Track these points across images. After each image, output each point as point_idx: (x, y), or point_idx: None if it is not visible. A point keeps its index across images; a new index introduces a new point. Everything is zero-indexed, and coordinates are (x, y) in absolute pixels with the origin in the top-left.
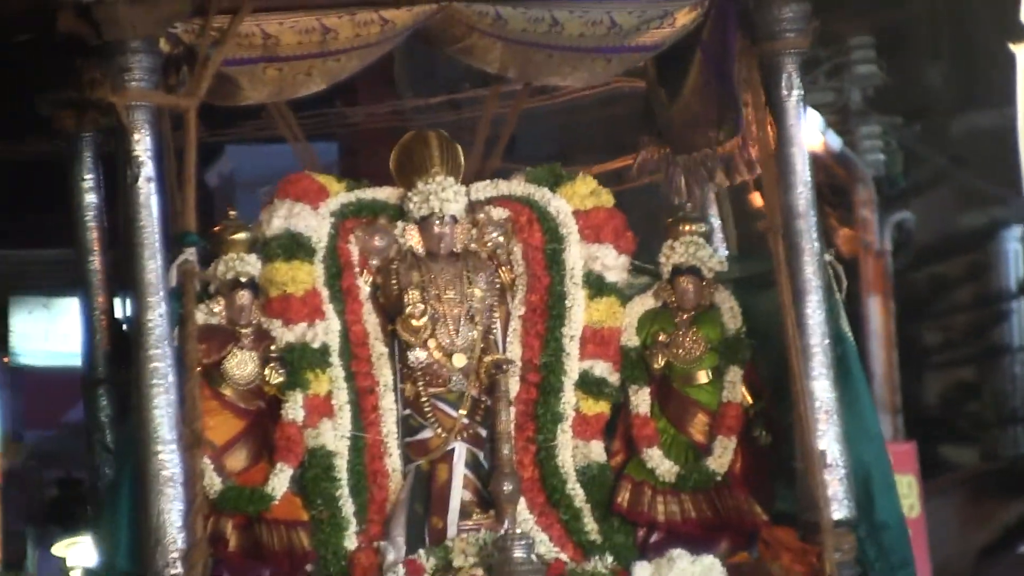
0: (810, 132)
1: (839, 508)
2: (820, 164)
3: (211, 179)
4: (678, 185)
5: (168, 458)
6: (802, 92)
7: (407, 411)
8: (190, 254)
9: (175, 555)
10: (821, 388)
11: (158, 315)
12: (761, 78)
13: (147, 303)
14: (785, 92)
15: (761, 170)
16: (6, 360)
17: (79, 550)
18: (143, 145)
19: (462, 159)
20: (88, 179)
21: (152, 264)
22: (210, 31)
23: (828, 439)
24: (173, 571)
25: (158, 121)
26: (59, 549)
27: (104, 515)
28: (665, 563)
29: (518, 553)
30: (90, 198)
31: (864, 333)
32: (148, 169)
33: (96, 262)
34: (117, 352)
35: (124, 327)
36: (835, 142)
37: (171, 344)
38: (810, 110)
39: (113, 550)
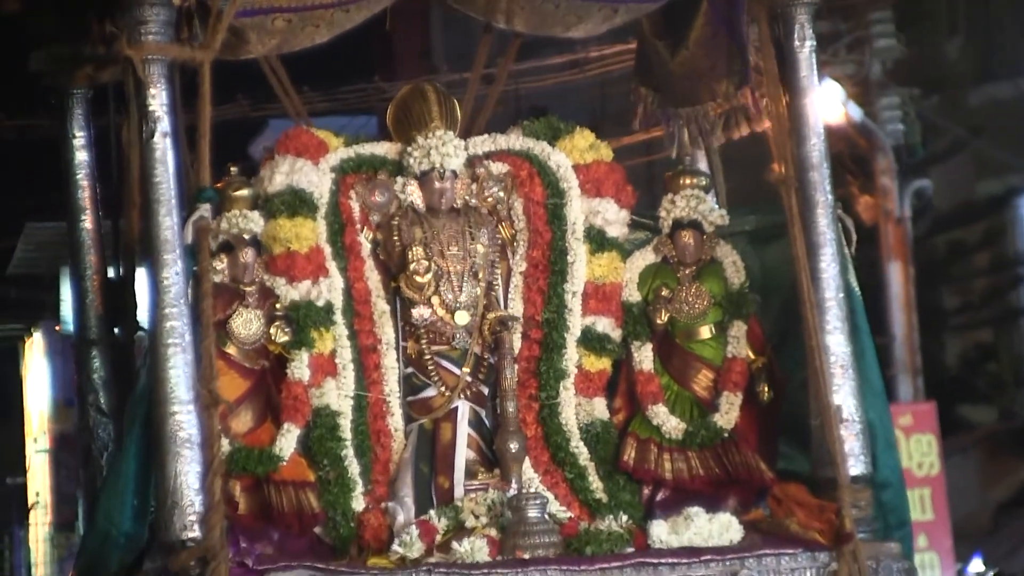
0: (832, 103)
1: (855, 464)
2: (841, 134)
3: (255, 152)
4: (681, 138)
5: (185, 419)
6: (814, 43)
7: (409, 369)
8: (205, 210)
9: (193, 518)
10: (836, 342)
11: (174, 273)
12: (772, 29)
13: (163, 260)
14: (798, 43)
15: (772, 122)
16: (58, 328)
17: None
18: (159, 100)
19: (459, 113)
20: (80, 136)
21: (168, 221)
22: None
23: (844, 394)
24: (191, 534)
25: (173, 75)
26: None
27: (108, 477)
28: (682, 521)
29: (532, 513)
30: (81, 156)
31: (885, 297)
32: (164, 124)
33: (88, 221)
34: (110, 313)
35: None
36: (856, 113)
37: (187, 302)
38: (831, 82)
39: (117, 513)
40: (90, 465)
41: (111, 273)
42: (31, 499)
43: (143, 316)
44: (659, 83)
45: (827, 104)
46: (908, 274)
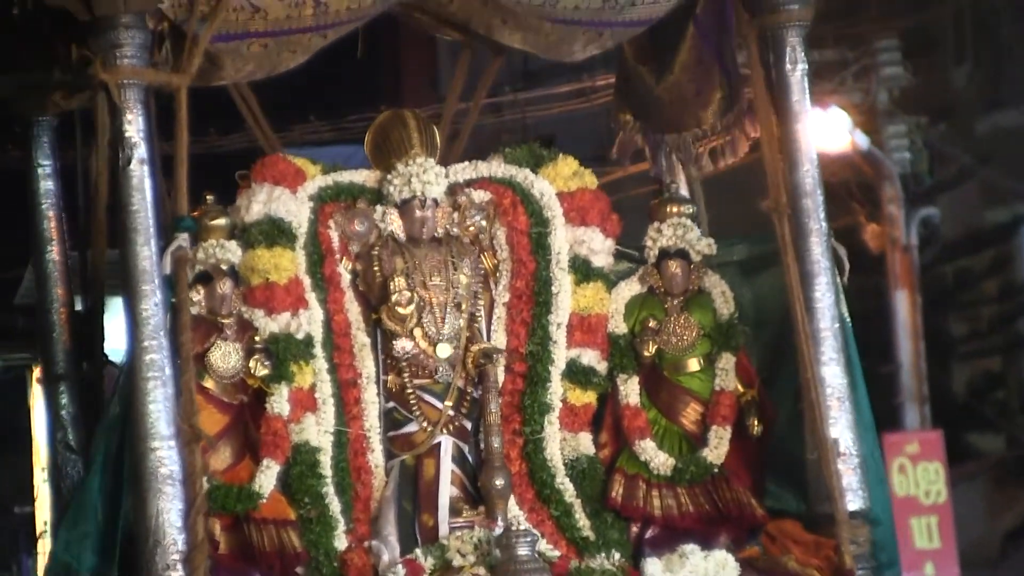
0: (838, 131)
1: (854, 498)
2: (848, 163)
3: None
4: (668, 165)
5: (166, 455)
6: (806, 66)
7: (390, 404)
8: (183, 240)
9: (176, 557)
10: (832, 374)
11: (153, 304)
12: (761, 52)
13: (141, 291)
14: (789, 66)
15: (763, 148)
16: None
17: None
18: (136, 126)
19: (439, 140)
20: (45, 165)
21: (146, 251)
22: (199, 5)
23: (841, 427)
24: (174, 574)
25: (149, 101)
26: None
27: (69, 508)
28: (676, 559)
29: (522, 551)
30: (47, 185)
31: (892, 325)
32: (141, 151)
33: (54, 252)
34: (77, 347)
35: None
36: (863, 141)
37: (167, 335)
38: (838, 110)
39: (77, 545)
40: (59, 504)
41: (78, 306)
42: (39, 528)
43: (111, 350)
44: (643, 109)
45: (834, 132)
46: (915, 302)
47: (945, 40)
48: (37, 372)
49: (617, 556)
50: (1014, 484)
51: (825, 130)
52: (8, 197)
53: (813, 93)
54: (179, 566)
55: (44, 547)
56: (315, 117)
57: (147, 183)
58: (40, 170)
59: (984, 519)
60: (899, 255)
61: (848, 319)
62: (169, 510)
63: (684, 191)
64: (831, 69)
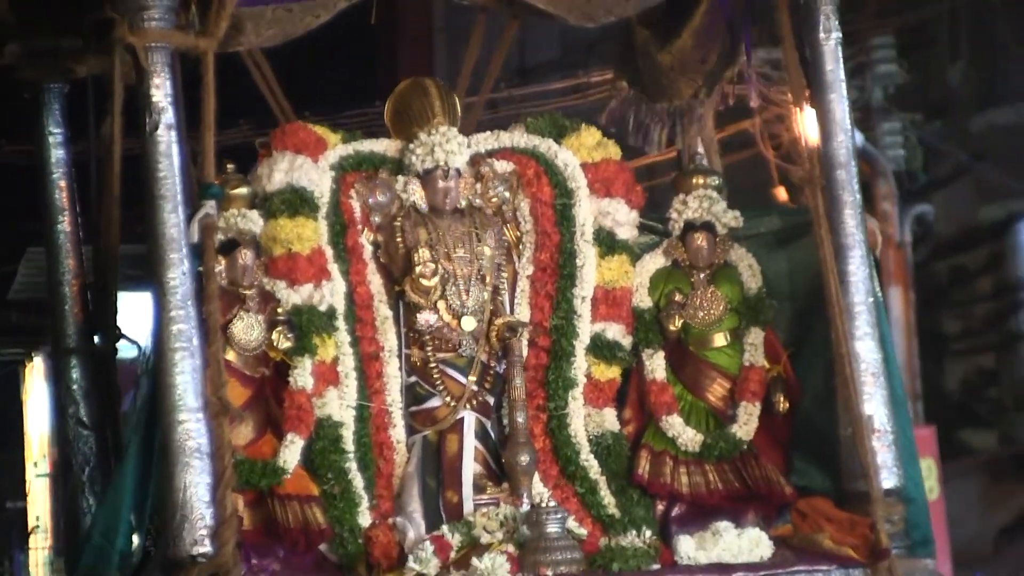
0: None
1: (888, 476)
2: None
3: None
4: (655, 135)
5: (194, 428)
6: (840, 35)
7: (412, 378)
8: (210, 207)
9: (204, 532)
10: (866, 349)
11: (180, 273)
12: (793, 19)
13: (169, 260)
14: (823, 35)
15: (796, 119)
16: None
17: None
18: (163, 90)
19: (460, 108)
20: (56, 133)
21: (174, 218)
22: None
23: (875, 403)
24: (202, 549)
25: (176, 65)
26: None
27: (106, 494)
28: (709, 536)
29: (552, 528)
30: (59, 153)
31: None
32: (168, 116)
33: (66, 222)
34: (89, 320)
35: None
36: (857, 138)
37: (195, 304)
38: None
39: (114, 530)
40: (70, 479)
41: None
42: (31, 523)
43: (123, 323)
44: (641, 76)
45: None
46: (909, 299)
47: (940, 37)
48: (30, 367)
49: (648, 534)
50: (1007, 481)
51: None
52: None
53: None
54: (207, 541)
55: (36, 542)
56: (310, 113)
57: (174, 149)
58: (51, 138)
59: (977, 516)
60: (893, 252)
61: (880, 294)
62: (197, 484)
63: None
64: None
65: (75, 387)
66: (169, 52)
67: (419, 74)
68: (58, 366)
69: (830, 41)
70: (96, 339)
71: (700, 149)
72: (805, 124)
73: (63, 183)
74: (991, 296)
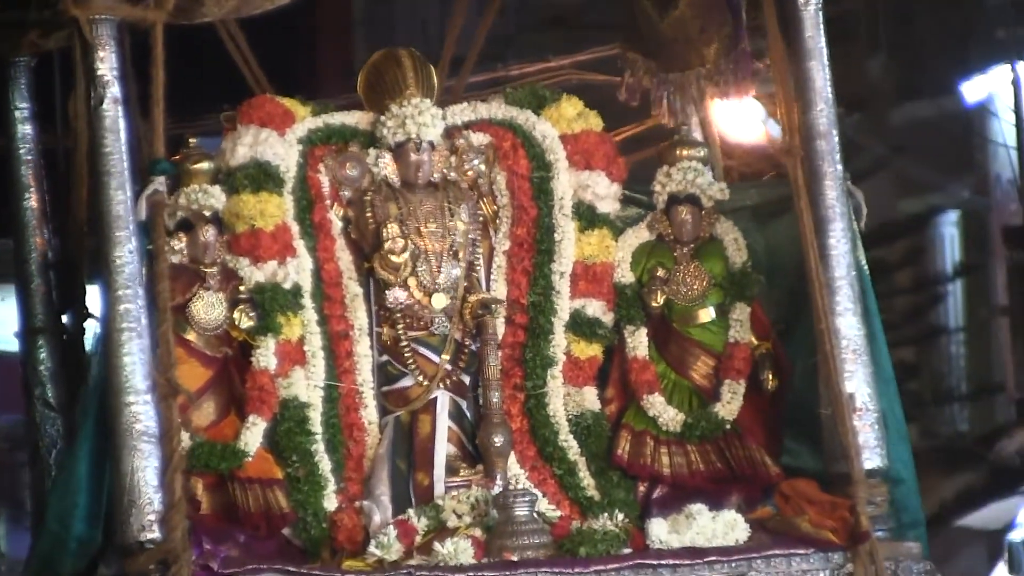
0: (752, 122)
1: (871, 456)
2: (762, 153)
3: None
4: (671, 106)
5: (141, 410)
6: (820, 1)
7: (384, 357)
8: (159, 183)
9: (152, 517)
10: (847, 325)
11: (127, 251)
12: None
13: (115, 238)
14: (802, 1)
15: (776, 87)
16: None
17: None
18: (108, 63)
19: (435, 80)
20: (23, 108)
21: (120, 195)
22: None
23: (857, 381)
24: (150, 535)
25: (123, 38)
26: None
27: (58, 477)
28: (683, 519)
29: (520, 511)
30: (25, 129)
31: None
32: (115, 89)
33: (32, 199)
34: (58, 298)
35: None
36: (777, 132)
37: (142, 284)
38: (752, 100)
39: (69, 515)
40: (38, 464)
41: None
42: None
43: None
44: (648, 48)
45: (748, 123)
46: None
47: (859, 30)
48: None
49: (621, 516)
50: (927, 474)
51: (739, 121)
52: None
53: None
54: (155, 527)
55: None
56: (229, 107)
57: (121, 124)
58: (17, 113)
59: None
60: None
61: (866, 267)
62: (145, 468)
63: (697, 134)
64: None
65: (42, 368)
66: (115, 24)
67: (338, 67)
68: (26, 346)
69: (809, 6)
70: (64, 319)
71: (693, 122)
72: (787, 93)
73: (30, 158)
74: (911, 290)
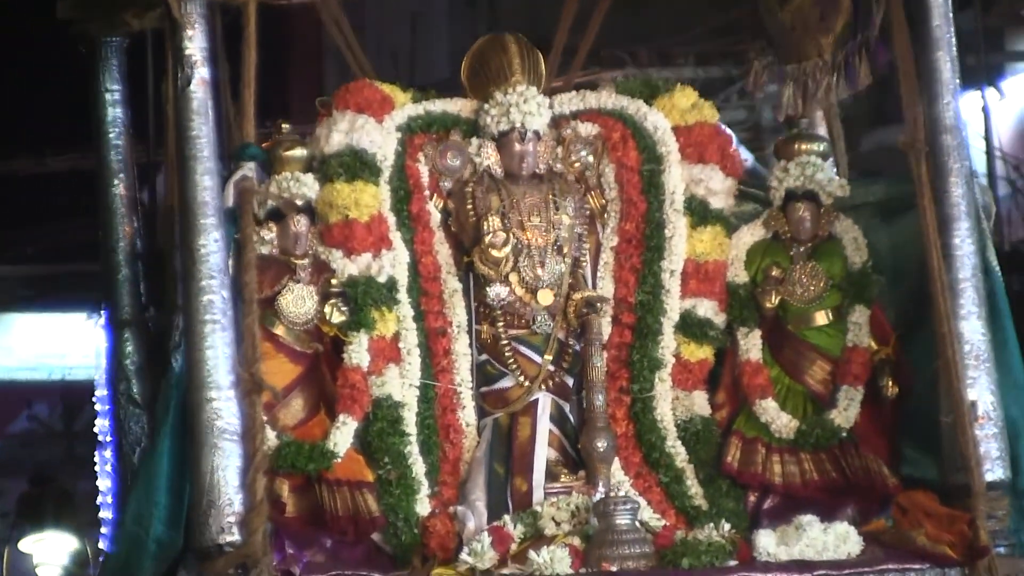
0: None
1: (992, 468)
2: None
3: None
4: (789, 98)
5: (223, 406)
6: None
7: (483, 356)
8: (249, 169)
9: (232, 519)
10: (971, 329)
11: (212, 240)
12: None
13: (200, 226)
14: None
15: (901, 79)
16: None
17: (45, 546)
18: (197, 42)
19: (543, 67)
20: (115, 91)
21: (206, 181)
22: None
23: (980, 388)
24: (229, 538)
25: (214, 17)
26: (26, 545)
27: (138, 476)
28: (792, 531)
29: (622, 520)
30: (115, 112)
31: None
32: (202, 70)
33: (122, 186)
34: (147, 289)
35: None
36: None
37: (227, 274)
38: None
39: (148, 516)
40: (122, 462)
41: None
42: None
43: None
44: (771, 36)
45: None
46: None
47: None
48: None
49: (727, 527)
50: None
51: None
52: None
53: None
54: (235, 529)
55: None
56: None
57: (208, 106)
58: (108, 95)
59: None
60: None
61: (997, 268)
62: (226, 467)
63: (822, 128)
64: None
65: (128, 362)
66: (205, 2)
67: (308, 95)
68: (112, 339)
69: None
70: (150, 311)
71: (819, 114)
72: (911, 85)
73: (121, 142)
74: None
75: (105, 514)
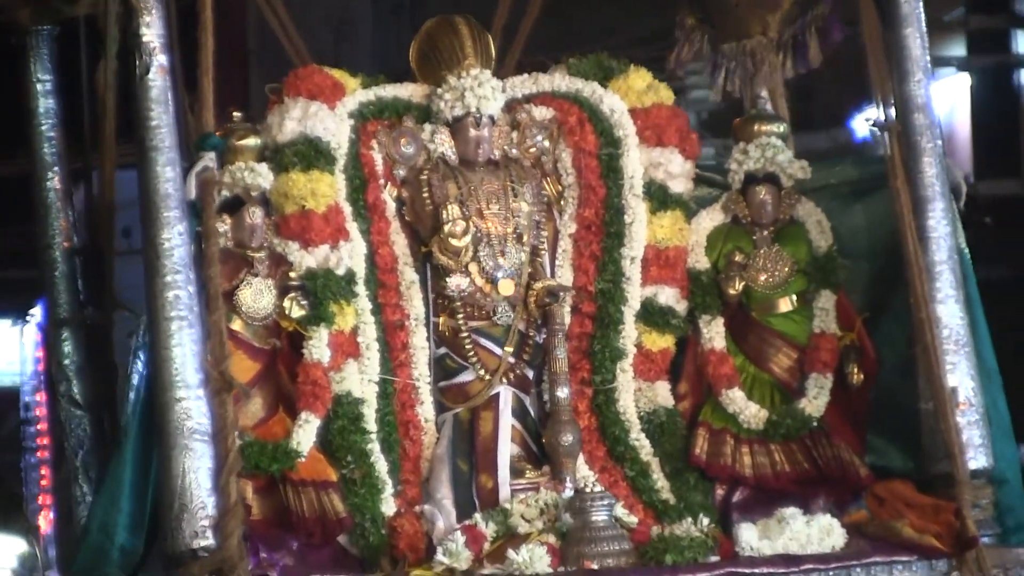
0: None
1: (976, 456)
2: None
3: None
4: (721, 78)
5: (193, 405)
6: None
7: (442, 350)
8: (210, 159)
9: (205, 523)
10: (949, 313)
11: (176, 233)
12: None
13: (164, 219)
14: None
15: (870, 56)
16: None
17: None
18: (155, 29)
19: (493, 50)
20: (46, 80)
21: (169, 172)
22: None
23: (960, 374)
24: (203, 542)
25: (169, 3)
26: None
27: (103, 484)
28: (774, 524)
29: (599, 516)
30: (47, 103)
31: None
32: (162, 58)
33: (56, 180)
34: (85, 286)
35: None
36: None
37: (192, 269)
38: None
39: (114, 524)
40: (63, 465)
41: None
42: None
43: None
44: (710, 11)
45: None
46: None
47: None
48: None
49: (706, 522)
50: None
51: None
52: None
53: None
54: (208, 533)
55: None
56: (124, 140)
57: (169, 95)
58: (39, 86)
59: None
60: None
61: (967, 251)
62: (197, 469)
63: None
64: None
65: (67, 362)
66: None
67: (233, 98)
68: (49, 339)
69: None
70: (88, 310)
71: (764, 93)
72: (879, 63)
73: (53, 134)
74: None
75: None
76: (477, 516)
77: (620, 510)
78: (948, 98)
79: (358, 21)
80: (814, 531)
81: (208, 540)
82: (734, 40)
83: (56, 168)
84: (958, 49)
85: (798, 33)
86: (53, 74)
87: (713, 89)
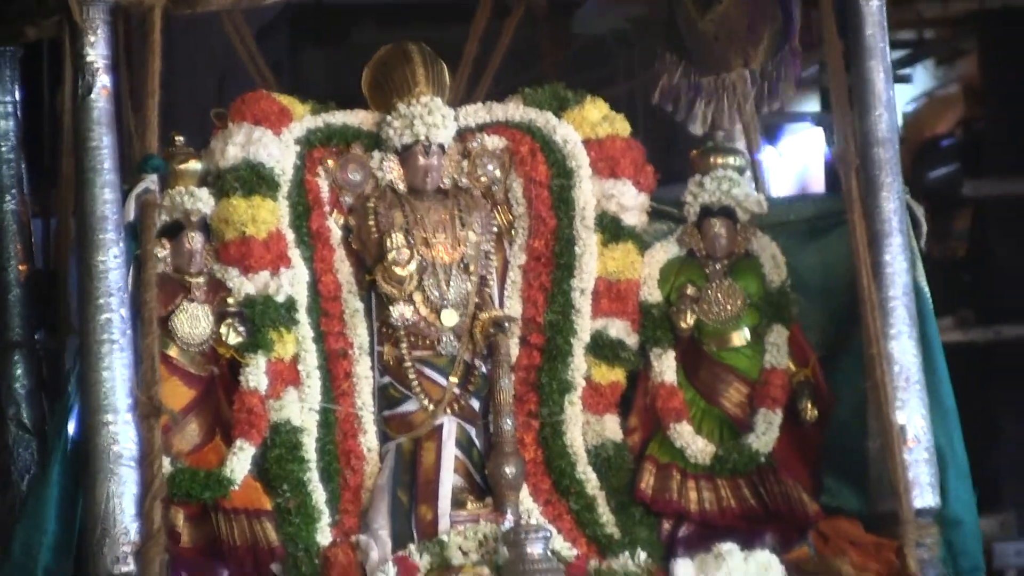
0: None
1: (922, 494)
2: None
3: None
4: (700, 112)
5: (120, 430)
6: None
7: (386, 379)
8: (151, 182)
9: (127, 549)
10: (901, 350)
11: (112, 256)
12: None
13: (99, 241)
14: None
15: (831, 90)
16: None
17: None
18: (98, 49)
19: (448, 78)
20: (6, 102)
21: (107, 194)
22: None
23: (909, 411)
24: (124, 568)
25: (116, 23)
26: None
27: (27, 503)
28: (711, 559)
29: (534, 549)
30: (8, 124)
31: None
32: (104, 78)
33: (14, 201)
34: (38, 311)
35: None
36: None
37: (127, 292)
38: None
39: (37, 545)
40: (9, 490)
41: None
42: None
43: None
44: (688, 47)
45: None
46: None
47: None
48: None
49: (643, 556)
50: None
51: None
52: None
53: None
54: (130, 560)
55: None
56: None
57: (109, 117)
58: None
59: None
60: None
61: (926, 289)
62: (122, 494)
63: (741, 141)
64: None
65: (17, 386)
66: (108, 7)
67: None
68: (0, 362)
69: (871, 2)
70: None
71: (726, 126)
72: (842, 96)
73: (12, 156)
74: None
75: None
76: (412, 547)
77: (561, 543)
78: (803, 152)
79: (239, 75)
80: (751, 568)
81: (129, 567)
82: (713, 74)
83: (13, 191)
84: (812, 105)
85: (777, 66)
86: (14, 95)
87: (690, 123)
